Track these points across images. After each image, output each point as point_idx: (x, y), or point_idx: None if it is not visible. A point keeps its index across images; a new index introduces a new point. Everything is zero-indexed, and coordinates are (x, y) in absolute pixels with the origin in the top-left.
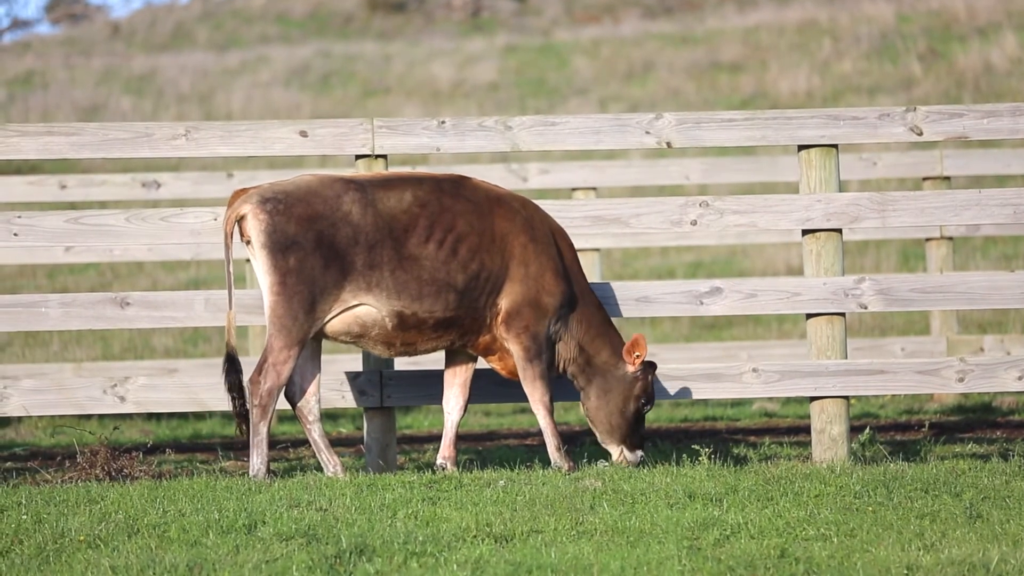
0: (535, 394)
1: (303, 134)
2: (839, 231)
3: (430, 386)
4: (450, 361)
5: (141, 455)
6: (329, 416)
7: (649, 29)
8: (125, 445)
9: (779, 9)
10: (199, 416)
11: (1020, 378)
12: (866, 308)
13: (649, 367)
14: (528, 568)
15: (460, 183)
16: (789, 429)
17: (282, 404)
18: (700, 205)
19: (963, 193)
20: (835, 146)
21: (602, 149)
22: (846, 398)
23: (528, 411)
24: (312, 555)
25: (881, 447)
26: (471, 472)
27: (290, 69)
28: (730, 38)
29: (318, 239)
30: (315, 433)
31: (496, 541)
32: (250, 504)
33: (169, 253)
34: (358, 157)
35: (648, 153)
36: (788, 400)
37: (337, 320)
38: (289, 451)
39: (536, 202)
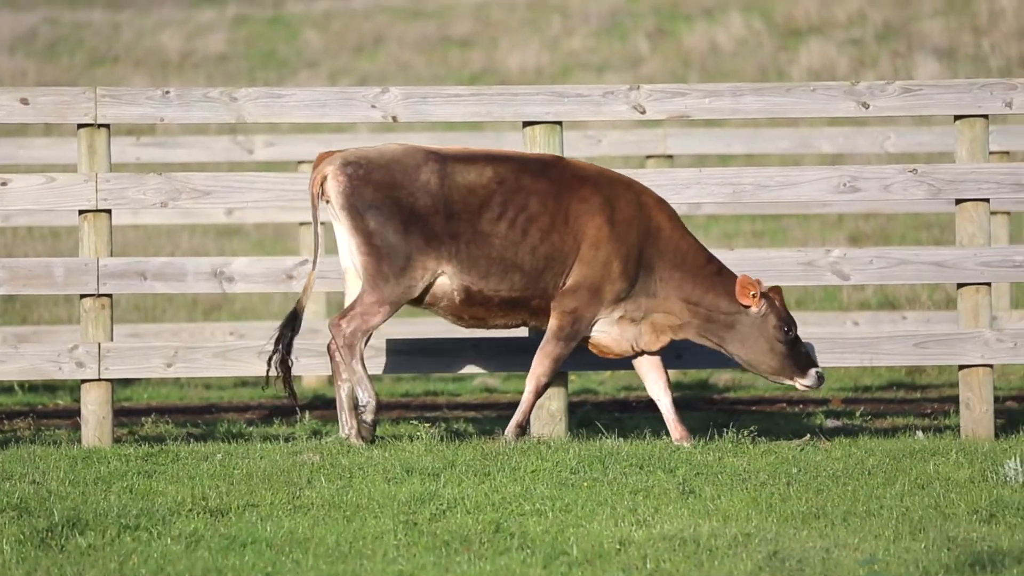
0: (538, 368)
1: (24, 101)
2: None
3: (149, 358)
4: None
5: None
6: (48, 388)
7: (380, 2)
8: None
9: None
10: None
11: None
12: None
13: (772, 294)
14: (243, 542)
15: (549, 164)
16: (510, 404)
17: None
18: None
19: (684, 171)
20: (559, 123)
21: (329, 122)
22: (565, 374)
23: (249, 384)
24: (23, 528)
25: (598, 423)
26: (188, 445)
27: (16, 35)
28: (461, 13)
29: (396, 205)
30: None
31: (211, 515)
32: None
33: None
34: (80, 126)
35: (377, 127)
36: (510, 375)
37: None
38: (3, 423)
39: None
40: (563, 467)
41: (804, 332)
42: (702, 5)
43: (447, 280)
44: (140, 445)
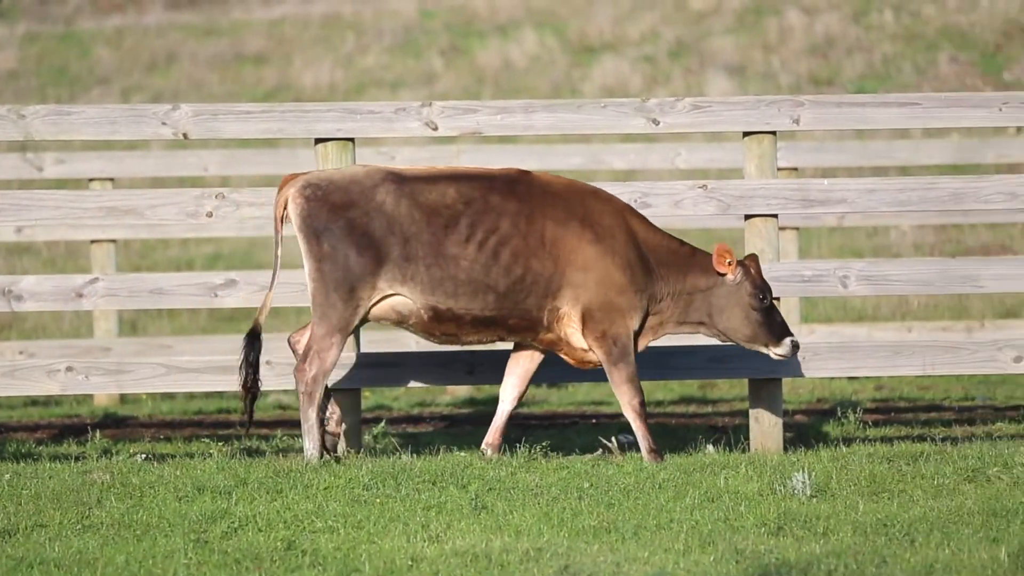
0: (623, 398)
1: None
2: None
3: None
4: (516, 350)
5: None
6: None
7: (173, 20)
8: None
9: (304, 3)
10: None
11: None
12: None
13: (748, 262)
14: (31, 563)
15: (516, 180)
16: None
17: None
18: (216, 197)
19: None
20: (352, 140)
21: (120, 139)
22: (358, 390)
23: (39, 403)
24: None
25: (392, 439)
26: None
27: None
28: (255, 30)
29: (350, 226)
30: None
31: None
32: None
33: None
34: None
35: (170, 144)
36: None
37: (375, 306)
38: None
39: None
40: (356, 484)
41: None
42: (495, 22)
43: (409, 300)
44: None
